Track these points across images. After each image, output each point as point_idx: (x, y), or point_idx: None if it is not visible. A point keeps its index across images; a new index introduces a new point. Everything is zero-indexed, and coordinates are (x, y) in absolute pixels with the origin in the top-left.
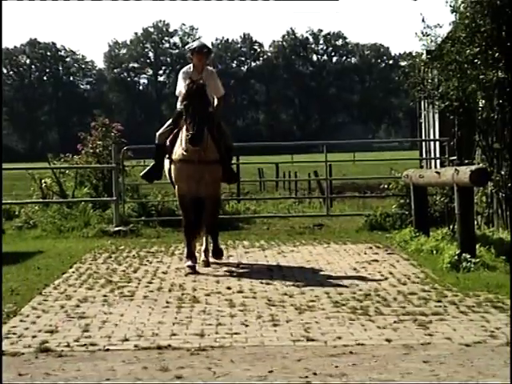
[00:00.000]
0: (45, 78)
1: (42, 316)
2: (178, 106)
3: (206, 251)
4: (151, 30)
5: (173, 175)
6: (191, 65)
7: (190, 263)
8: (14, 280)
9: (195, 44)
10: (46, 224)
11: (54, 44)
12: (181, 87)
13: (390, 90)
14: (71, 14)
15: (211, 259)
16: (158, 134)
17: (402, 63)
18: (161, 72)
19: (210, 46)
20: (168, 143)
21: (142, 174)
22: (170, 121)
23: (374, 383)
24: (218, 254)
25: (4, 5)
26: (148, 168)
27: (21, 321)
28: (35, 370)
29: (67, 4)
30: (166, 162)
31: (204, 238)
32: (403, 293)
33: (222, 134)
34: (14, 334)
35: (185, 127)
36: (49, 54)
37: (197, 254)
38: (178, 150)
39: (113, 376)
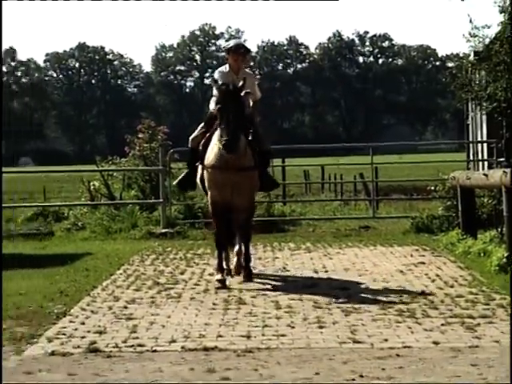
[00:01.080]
0: (93, 81)
1: (91, 317)
2: (211, 107)
3: (239, 254)
4: (197, 33)
5: (206, 181)
6: (227, 65)
7: (219, 277)
8: (63, 281)
9: (231, 43)
10: (95, 226)
11: (102, 48)
12: (214, 85)
13: (436, 92)
14: (119, 17)
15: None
16: (190, 138)
17: (449, 64)
18: (207, 75)
19: (248, 47)
20: (201, 147)
21: (175, 182)
22: (203, 124)
23: None
24: (248, 273)
25: (53, 8)
26: (181, 176)
27: (70, 321)
28: (84, 371)
29: (115, 8)
30: (199, 168)
31: (238, 246)
32: (450, 295)
33: (259, 139)
34: (63, 334)
35: (218, 132)
36: (97, 57)
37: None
38: (211, 155)
39: (160, 377)
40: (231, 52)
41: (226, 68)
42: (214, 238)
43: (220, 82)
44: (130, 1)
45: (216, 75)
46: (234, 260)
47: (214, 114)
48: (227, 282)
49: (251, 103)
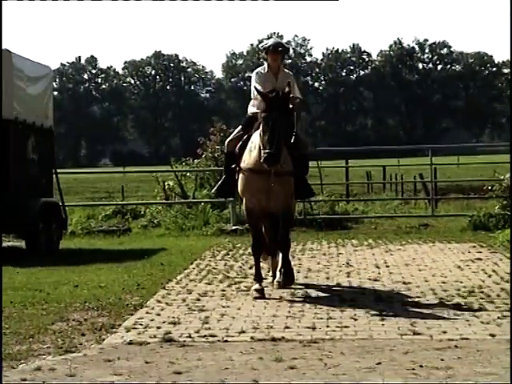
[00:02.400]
0: (168, 87)
1: (166, 308)
2: (249, 110)
3: (281, 271)
4: (266, 41)
5: (240, 185)
6: (266, 65)
7: (257, 286)
8: (140, 275)
9: (270, 42)
10: (169, 223)
11: (176, 56)
12: (255, 90)
13: (493, 96)
14: (192, 27)
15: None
16: (226, 141)
17: (505, 70)
18: None
19: (286, 45)
20: (237, 150)
21: (213, 190)
22: (240, 127)
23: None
24: (288, 277)
25: (132, 19)
26: (219, 182)
27: (147, 313)
28: (160, 359)
29: (189, 19)
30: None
31: (280, 257)
32: (506, 290)
33: (299, 143)
34: (140, 324)
35: (258, 136)
36: (172, 65)
37: (268, 275)
38: (248, 159)
39: (231, 365)
40: (270, 51)
41: (264, 69)
42: (251, 247)
43: (262, 86)
44: (201, 13)
45: (254, 77)
46: (276, 275)
47: (254, 117)
48: (265, 292)
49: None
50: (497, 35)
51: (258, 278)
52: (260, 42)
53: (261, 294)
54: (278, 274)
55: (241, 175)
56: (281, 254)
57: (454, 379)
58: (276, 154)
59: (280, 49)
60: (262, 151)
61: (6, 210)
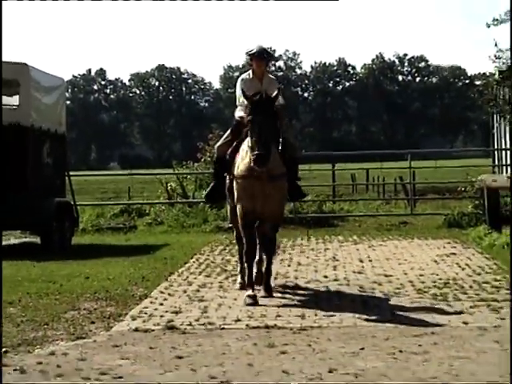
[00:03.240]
0: (170, 97)
1: (168, 299)
2: (236, 115)
3: (260, 265)
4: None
5: (235, 193)
6: (250, 71)
7: (250, 293)
8: (145, 268)
9: (255, 49)
10: (171, 221)
11: (178, 68)
12: (239, 95)
13: (466, 106)
14: (193, 42)
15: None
16: (216, 146)
17: (477, 82)
18: None
19: (270, 52)
20: (228, 157)
21: (204, 195)
22: (229, 131)
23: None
24: (267, 288)
25: (136, 35)
26: (209, 188)
27: (151, 302)
28: (163, 345)
29: (190, 34)
30: (227, 179)
31: (258, 257)
32: (478, 282)
33: (288, 146)
34: (145, 313)
35: (248, 142)
36: (174, 76)
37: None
38: (241, 165)
39: (228, 351)
40: (254, 58)
41: (249, 75)
42: (244, 253)
43: (247, 91)
44: (201, 29)
45: (239, 83)
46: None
47: (241, 122)
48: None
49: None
50: (469, 50)
51: (251, 283)
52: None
53: (254, 300)
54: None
55: (235, 183)
56: (264, 258)
57: (430, 362)
58: (264, 155)
59: (265, 55)
60: (251, 153)
61: (23, 209)
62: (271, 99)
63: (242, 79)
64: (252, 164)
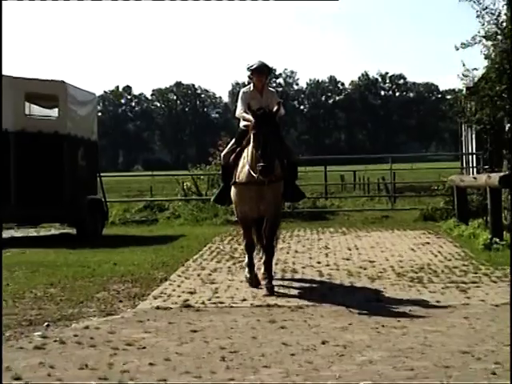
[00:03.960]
0: (186, 109)
1: (185, 281)
2: (242, 124)
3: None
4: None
5: (234, 198)
6: (251, 85)
7: (247, 274)
8: (165, 255)
9: (255, 64)
10: (187, 215)
11: (193, 85)
12: (241, 107)
13: (438, 117)
14: (206, 62)
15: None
16: (222, 154)
17: (448, 97)
18: None
19: (270, 66)
20: (231, 162)
21: (212, 199)
22: (233, 140)
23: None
24: (270, 288)
25: (157, 56)
26: (217, 192)
27: (170, 284)
28: (180, 320)
29: (203, 56)
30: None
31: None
32: (449, 266)
33: (287, 152)
34: (164, 294)
35: (250, 151)
36: (189, 92)
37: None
38: (241, 174)
39: (235, 326)
40: (255, 72)
41: (250, 88)
42: (244, 246)
43: (247, 104)
44: (212, 52)
45: (241, 95)
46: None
47: (245, 131)
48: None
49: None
50: (441, 69)
51: (251, 267)
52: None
53: (253, 282)
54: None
55: (234, 189)
56: (264, 256)
57: (408, 335)
58: (269, 166)
59: (265, 70)
60: (257, 165)
61: (62, 205)
62: (273, 113)
63: (244, 92)
64: (258, 174)
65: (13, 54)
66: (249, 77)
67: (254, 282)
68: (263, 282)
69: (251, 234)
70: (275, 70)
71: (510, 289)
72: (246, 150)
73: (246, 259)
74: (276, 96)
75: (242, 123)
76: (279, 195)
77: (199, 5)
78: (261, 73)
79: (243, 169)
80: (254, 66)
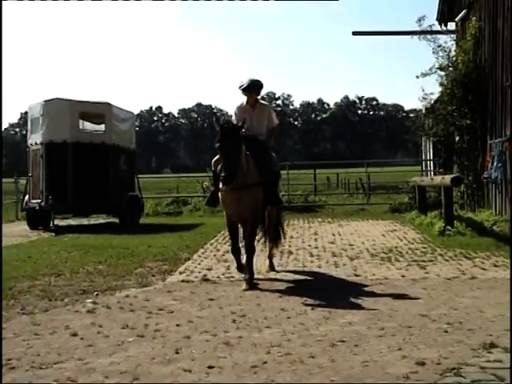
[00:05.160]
0: (205, 124)
1: (204, 260)
2: None
3: (270, 257)
4: (265, 97)
5: (220, 202)
6: (244, 101)
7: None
8: (189, 240)
9: (246, 83)
10: (205, 208)
11: (210, 105)
12: (235, 119)
13: (403, 131)
14: (221, 88)
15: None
16: (212, 161)
17: (411, 115)
18: None
19: (260, 82)
20: (218, 170)
21: (205, 202)
22: None
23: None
24: (250, 280)
25: (183, 83)
26: (209, 196)
27: (192, 263)
28: (200, 291)
29: (219, 83)
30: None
31: (268, 247)
32: (412, 249)
33: (269, 160)
34: (188, 270)
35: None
36: (207, 111)
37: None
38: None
39: (243, 295)
40: (246, 90)
41: (243, 104)
42: (230, 249)
43: (240, 117)
44: (225, 79)
45: (235, 110)
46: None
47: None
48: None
49: (270, 129)
50: (406, 93)
51: (240, 268)
52: (261, 97)
53: (250, 286)
54: (267, 260)
55: (220, 194)
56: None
57: (379, 302)
58: (229, 177)
59: (257, 86)
60: (221, 176)
61: (108, 200)
62: (238, 128)
63: (238, 107)
64: (221, 183)
65: (70, 80)
66: (243, 93)
67: (252, 284)
68: (243, 275)
69: (236, 239)
70: (275, 93)
71: (510, 284)
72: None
73: (236, 264)
74: (269, 108)
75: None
76: (258, 200)
77: (215, 43)
78: (251, 90)
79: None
80: (244, 86)
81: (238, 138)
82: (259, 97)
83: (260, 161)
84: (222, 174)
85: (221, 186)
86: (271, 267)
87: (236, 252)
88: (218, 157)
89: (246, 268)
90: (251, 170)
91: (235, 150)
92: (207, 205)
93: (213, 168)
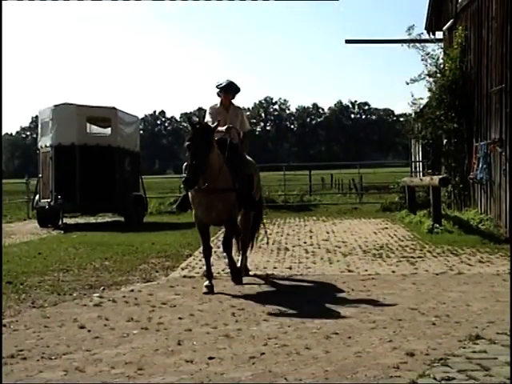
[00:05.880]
0: None
1: None
2: None
3: (241, 266)
4: (263, 102)
5: (191, 204)
6: (219, 101)
7: (207, 283)
8: (189, 237)
9: (224, 83)
10: None
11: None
12: (207, 121)
13: (394, 134)
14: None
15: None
16: (184, 165)
17: (401, 119)
18: (268, 124)
19: (237, 85)
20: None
21: (175, 206)
22: None
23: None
24: (234, 274)
25: (185, 89)
26: (180, 199)
27: (193, 259)
28: (201, 286)
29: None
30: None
31: (240, 255)
32: (402, 245)
33: (242, 164)
34: (190, 266)
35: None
36: None
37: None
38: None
39: (242, 290)
40: (223, 91)
41: (217, 104)
42: (202, 250)
43: (213, 118)
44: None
45: (208, 110)
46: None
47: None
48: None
49: (242, 134)
50: (397, 98)
51: (209, 275)
52: (259, 101)
53: (210, 290)
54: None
55: (190, 195)
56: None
57: (371, 296)
58: (190, 179)
59: (233, 89)
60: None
61: (113, 200)
62: (209, 129)
63: (211, 107)
64: (183, 184)
65: (79, 86)
66: (217, 94)
67: (211, 289)
68: (206, 283)
69: (207, 240)
70: (272, 98)
71: (510, 280)
72: None
73: (206, 268)
74: (242, 112)
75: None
76: (230, 204)
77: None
78: (228, 91)
79: None
80: (223, 85)
81: (209, 140)
82: (234, 100)
83: (233, 164)
84: (185, 175)
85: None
86: (243, 271)
87: (207, 253)
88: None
89: (229, 264)
90: (224, 174)
91: (204, 152)
92: (177, 209)
93: (184, 172)
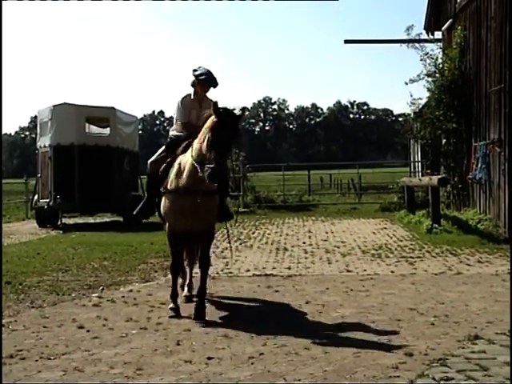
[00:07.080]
0: None
1: None
2: (171, 134)
3: (189, 286)
4: (262, 101)
5: (164, 208)
6: (192, 92)
7: (172, 306)
8: None
9: (203, 73)
10: None
11: None
12: (181, 117)
13: (392, 134)
14: (220, 92)
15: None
16: (149, 161)
17: (400, 119)
18: (267, 124)
19: (216, 80)
20: (160, 173)
21: (134, 212)
22: (163, 148)
23: (384, 297)
24: (199, 311)
25: (184, 89)
26: (140, 205)
27: None
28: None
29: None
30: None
31: (188, 271)
32: (401, 246)
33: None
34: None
35: (184, 158)
36: None
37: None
38: (174, 182)
39: (241, 290)
40: (201, 82)
41: (190, 96)
42: (170, 266)
43: (187, 113)
44: (224, 87)
45: (180, 101)
46: (185, 289)
47: (176, 140)
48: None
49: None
50: (396, 98)
51: (174, 296)
52: (259, 101)
53: (176, 313)
54: (186, 288)
55: (164, 198)
56: (199, 271)
57: (370, 297)
58: (220, 170)
59: (212, 83)
60: (206, 167)
61: (112, 200)
62: (239, 116)
63: (183, 99)
64: (207, 178)
65: (78, 86)
66: (192, 83)
67: (178, 312)
68: (195, 299)
69: (180, 254)
70: (271, 98)
71: (510, 280)
72: (180, 158)
73: (171, 289)
74: None
75: (173, 132)
76: (215, 209)
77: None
78: (207, 84)
79: (179, 176)
80: (203, 76)
81: (239, 131)
82: (208, 94)
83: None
84: (212, 166)
85: (169, 186)
86: (188, 298)
87: (177, 270)
88: (156, 157)
89: (191, 292)
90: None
91: (231, 144)
92: (137, 215)
93: (149, 170)
